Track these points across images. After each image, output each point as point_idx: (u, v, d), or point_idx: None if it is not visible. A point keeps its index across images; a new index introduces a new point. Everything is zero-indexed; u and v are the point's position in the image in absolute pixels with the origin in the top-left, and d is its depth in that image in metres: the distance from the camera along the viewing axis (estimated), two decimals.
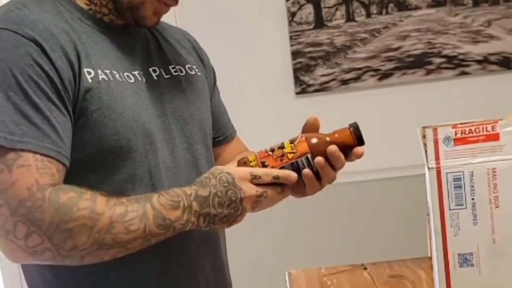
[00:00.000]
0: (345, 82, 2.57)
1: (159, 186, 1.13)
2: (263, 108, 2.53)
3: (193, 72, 1.28)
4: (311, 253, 2.56)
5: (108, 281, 1.14)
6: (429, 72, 2.57)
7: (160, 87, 1.20)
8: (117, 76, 1.12)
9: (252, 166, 1.11)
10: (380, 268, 1.67)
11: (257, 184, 1.09)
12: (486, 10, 2.55)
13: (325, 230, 2.63)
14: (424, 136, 1.01)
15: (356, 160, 1.14)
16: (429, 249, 1.19)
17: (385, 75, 2.57)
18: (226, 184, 1.08)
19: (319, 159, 1.10)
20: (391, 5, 2.55)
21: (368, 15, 2.56)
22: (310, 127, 1.16)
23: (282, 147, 1.12)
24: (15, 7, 1.09)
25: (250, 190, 1.09)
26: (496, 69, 2.57)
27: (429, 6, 2.55)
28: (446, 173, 1.00)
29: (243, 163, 1.13)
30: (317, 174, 1.12)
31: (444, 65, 2.57)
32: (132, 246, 1.05)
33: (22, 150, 1.01)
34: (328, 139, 1.12)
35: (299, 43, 2.55)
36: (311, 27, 2.54)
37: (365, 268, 1.68)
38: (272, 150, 1.12)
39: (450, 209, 1.01)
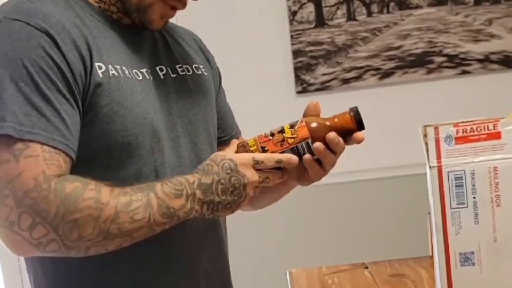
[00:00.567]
0: (346, 81, 2.57)
1: None
2: (264, 107, 2.53)
3: (200, 72, 1.28)
4: (312, 252, 2.56)
5: (107, 274, 1.14)
6: (430, 71, 2.57)
7: (167, 86, 1.20)
8: (127, 72, 1.13)
9: (252, 151, 1.11)
10: (381, 267, 1.67)
11: (258, 170, 1.10)
12: (487, 9, 2.55)
13: (326, 229, 2.63)
14: (425, 135, 1.01)
15: (355, 144, 1.14)
16: (430, 248, 1.19)
17: (386, 74, 2.57)
18: (229, 171, 1.08)
19: (318, 145, 1.10)
20: (392, 4, 2.55)
21: (369, 14, 2.55)
22: (311, 112, 1.16)
23: (282, 131, 1.12)
24: None
25: (253, 176, 1.09)
26: (497, 68, 2.57)
27: (430, 5, 2.55)
28: (448, 172, 1.00)
29: (242, 146, 1.13)
30: (318, 159, 1.12)
31: (445, 64, 2.56)
32: (137, 235, 1.05)
33: (31, 141, 1.00)
34: (328, 123, 1.12)
35: (300, 42, 2.55)
36: (312, 26, 2.54)
37: (366, 267, 1.68)
38: (272, 135, 1.12)
39: (451, 208, 1.01)
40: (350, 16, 2.55)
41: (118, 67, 1.11)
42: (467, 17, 2.55)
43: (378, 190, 2.61)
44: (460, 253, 1.01)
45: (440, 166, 1.00)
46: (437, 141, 1.01)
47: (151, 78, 1.18)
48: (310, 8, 2.53)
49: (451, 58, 2.56)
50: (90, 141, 1.08)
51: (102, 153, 1.10)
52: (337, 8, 2.54)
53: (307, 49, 2.55)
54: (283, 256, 2.53)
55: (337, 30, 2.55)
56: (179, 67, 1.24)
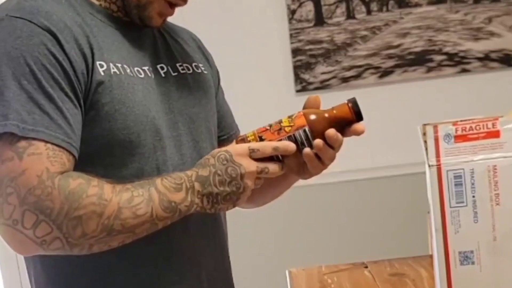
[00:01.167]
0: (345, 79, 2.57)
1: None
2: (264, 106, 2.53)
3: (200, 71, 1.28)
4: (312, 251, 2.56)
5: (110, 272, 1.14)
6: (429, 70, 2.57)
7: (168, 84, 1.20)
8: (128, 70, 1.13)
9: (250, 142, 1.11)
10: (380, 266, 1.67)
11: (257, 160, 1.09)
12: (487, 7, 2.55)
13: (326, 228, 2.63)
14: (424, 134, 1.01)
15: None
16: (430, 247, 1.19)
17: (386, 73, 2.57)
18: (225, 162, 1.08)
19: (318, 142, 1.10)
20: (391, 2, 2.55)
21: (369, 12, 2.55)
22: (310, 105, 1.16)
23: (280, 121, 1.12)
24: None
25: (250, 165, 1.08)
26: (497, 66, 2.56)
27: (430, 3, 2.55)
28: (447, 171, 1.00)
29: (241, 140, 1.14)
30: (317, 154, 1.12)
31: (444, 63, 2.56)
32: (140, 230, 1.05)
33: (34, 139, 1.00)
34: (326, 114, 1.12)
35: (299, 41, 2.54)
36: (311, 24, 2.54)
37: (366, 267, 1.68)
38: (270, 125, 1.12)
39: (450, 207, 1.00)
40: (350, 15, 2.55)
41: (119, 65, 1.12)
42: (467, 15, 2.55)
43: (378, 189, 2.61)
44: (460, 252, 1.01)
45: (439, 164, 1.00)
46: (436, 139, 1.01)
47: (153, 76, 1.18)
48: (309, 6, 2.53)
49: (450, 56, 2.56)
50: (92, 139, 1.08)
51: (104, 151, 1.09)
52: (336, 7, 2.54)
53: (307, 47, 2.55)
54: (283, 256, 2.53)
55: (336, 28, 2.55)
56: (180, 66, 1.25)
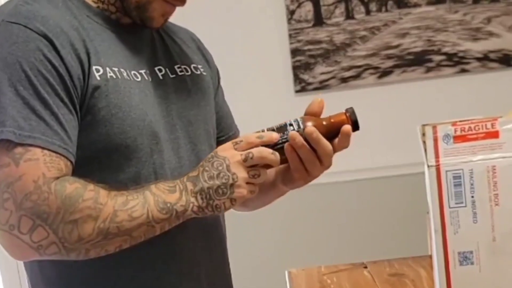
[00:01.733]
0: (344, 80, 2.57)
1: None
2: (263, 106, 2.53)
3: (199, 72, 1.28)
4: (311, 252, 2.56)
5: (109, 276, 1.14)
6: (429, 70, 2.57)
7: (166, 87, 1.20)
8: (125, 74, 1.13)
9: None
10: (380, 266, 1.67)
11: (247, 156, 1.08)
12: (486, 7, 2.55)
13: (325, 228, 2.63)
14: (423, 134, 1.01)
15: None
16: (430, 247, 1.19)
17: (385, 73, 2.57)
18: (210, 158, 1.09)
19: (309, 129, 1.08)
20: (390, 2, 2.55)
21: (368, 12, 2.55)
22: (314, 108, 1.14)
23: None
24: (25, 2, 1.09)
25: (234, 155, 1.08)
26: (496, 67, 2.56)
27: (429, 3, 2.55)
28: (446, 171, 1.00)
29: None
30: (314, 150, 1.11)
31: (444, 63, 2.56)
32: (137, 234, 1.05)
33: (30, 145, 1.00)
34: (324, 122, 1.12)
35: (298, 41, 2.54)
36: (310, 25, 2.54)
37: (366, 267, 1.68)
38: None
39: (450, 207, 1.00)
40: (349, 15, 2.55)
41: (116, 69, 1.11)
42: (466, 15, 2.55)
43: (377, 189, 2.61)
44: (459, 253, 1.01)
45: (439, 165, 1.00)
46: (435, 140, 1.01)
47: (150, 79, 1.17)
48: (308, 7, 2.53)
49: (450, 56, 2.56)
50: (88, 143, 1.08)
51: (101, 156, 1.09)
52: (335, 7, 2.54)
53: (306, 48, 2.55)
54: (282, 256, 2.53)
55: (335, 29, 2.55)
56: (178, 68, 1.24)
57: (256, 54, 2.56)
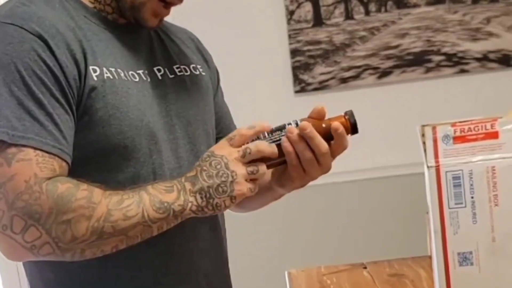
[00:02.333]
0: (344, 80, 2.57)
1: None
2: (262, 107, 2.52)
3: (198, 72, 1.28)
4: (311, 252, 2.56)
5: (107, 277, 1.13)
6: (428, 70, 2.57)
7: (165, 87, 1.19)
8: (122, 74, 1.12)
9: None
10: (380, 267, 1.67)
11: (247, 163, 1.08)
12: (485, 7, 2.55)
13: (325, 229, 2.63)
14: (423, 135, 1.01)
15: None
16: (429, 248, 1.19)
17: (384, 73, 2.57)
18: (208, 158, 1.08)
19: (304, 124, 1.09)
20: (389, 2, 2.55)
21: (367, 13, 2.55)
22: (314, 115, 1.13)
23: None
24: (21, 3, 1.09)
25: (231, 152, 1.07)
26: (496, 67, 2.57)
27: (428, 3, 2.55)
28: (445, 172, 1.00)
29: None
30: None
31: (443, 63, 2.56)
32: (133, 233, 1.04)
33: (24, 146, 1.00)
34: (323, 124, 1.12)
35: (298, 42, 2.54)
36: (310, 25, 2.54)
37: (365, 267, 1.68)
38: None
39: (449, 208, 1.00)
40: (348, 15, 2.55)
41: (113, 69, 1.11)
42: (465, 15, 2.55)
43: (377, 189, 2.61)
44: (459, 253, 1.01)
45: (438, 165, 1.00)
46: (435, 140, 1.00)
47: (148, 79, 1.17)
48: (308, 7, 2.53)
49: (449, 57, 2.56)
50: (86, 144, 1.08)
51: (98, 157, 1.09)
52: (335, 7, 2.54)
53: (305, 48, 2.55)
54: (282, 257, 2.53)
55: (335, 29, 2.55)
56: (177, 68, 1.24)
57: (256, 55, 2.56)
